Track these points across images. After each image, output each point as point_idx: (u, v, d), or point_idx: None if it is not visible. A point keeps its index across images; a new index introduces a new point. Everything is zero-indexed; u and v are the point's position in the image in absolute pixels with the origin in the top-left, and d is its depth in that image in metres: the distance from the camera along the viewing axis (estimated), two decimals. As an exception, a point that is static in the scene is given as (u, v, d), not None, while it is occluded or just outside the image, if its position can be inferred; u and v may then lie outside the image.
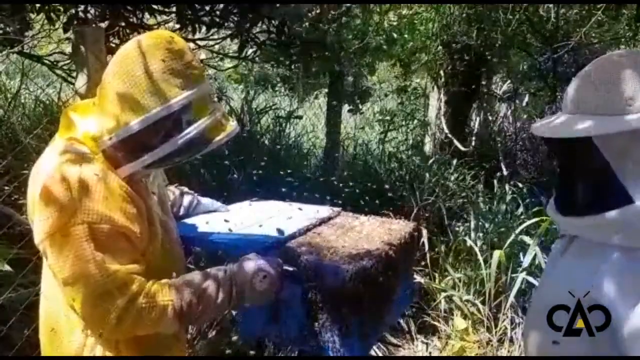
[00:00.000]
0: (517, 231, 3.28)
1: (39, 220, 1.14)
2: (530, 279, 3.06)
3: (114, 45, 2.83)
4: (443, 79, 5.76)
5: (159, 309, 1.16)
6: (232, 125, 1.27)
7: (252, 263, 1.27)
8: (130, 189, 1.22)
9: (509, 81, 7.16)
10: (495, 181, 4.58)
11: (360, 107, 5.79)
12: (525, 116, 7.26)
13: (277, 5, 3.16)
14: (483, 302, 3.18)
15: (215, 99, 1.34)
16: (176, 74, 1.18)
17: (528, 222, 3.33)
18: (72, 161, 1.17)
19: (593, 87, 0.97)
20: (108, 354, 1.24)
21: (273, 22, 3.42)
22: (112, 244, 1.15)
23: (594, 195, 0.99)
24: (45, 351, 1.34)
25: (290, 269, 1.34)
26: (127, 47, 1.22)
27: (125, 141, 1.19)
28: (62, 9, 2.82)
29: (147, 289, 1.17)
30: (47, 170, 1.17)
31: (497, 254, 3.11)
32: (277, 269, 1.30)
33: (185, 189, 1.72)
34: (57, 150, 1.22)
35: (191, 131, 1.19)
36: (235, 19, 3.32)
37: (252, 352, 2.64)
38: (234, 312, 2.62)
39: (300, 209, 1.84)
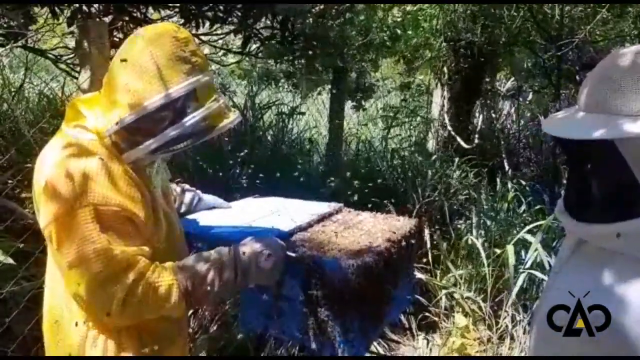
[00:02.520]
0: (523, 231, 3.27)
1: (45, 205, 1.15)
2: (537, 273, 3.05)
3: (117, 40, 2.83)
4: (446, 76, 5.75)
5: (164, 289, 1.17)
6: (235, 114, 1.30)
7: (256, 243, 1.29)
8: (135, 176, 1.23)
9: (512, 78, 7.15)
10: (497, 179, 4.58)
11: (363, 103, 5.78)
12: (528, 114, 7.25)
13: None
14: (484, 300, 3.18)
15: (219, 91, 1.36)
16: (182, 61, 1.20)
17: (535, 224, 3.31)
18: (78, 147, 1.19)
19: (617, 84, 0.87)
20: (110, 345, 1.25)
21: (277, 17, 3.42)
22: (117, 226, 1.16)
23: (611, 202, 0.91)
24: (48, 344, 1.35)
25: (293, 254, 1.36)
26: (133, 36, 1.25)
27: (131, 127, 1.20)
28: (66, 3, 2.82)
29: (152, 270, 1.18)
30: (53, 156, 1.19)
31: (510, 249, 3.08)
32: (281, 250, 1.32)
33: (187, 186, 1.73)
34: (63, 137, 1.24)
35: (196, 115, 1.22)
36: (239, 14, 3.32)
37: (252, 348, 2.65)
38: (234, 309, 2.63)
39: (302, 205, 1.84)
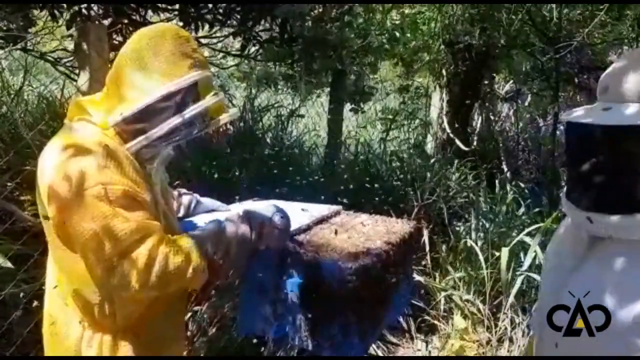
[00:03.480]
0: (522, 233, 3.27)
1: (53, 195, 1.16)
2: (535, 275, 3.05)
3: (116, 43, 2.83)
4: (445, 79, 5.76)
5: (183, 253, 1.19)
6: (234, 109, 1.35)
7: (268, 204, 1.40)
8: (137, 166, 1.25)
9: (511, 81, 7.16)
10: (496, 181, 4.58)
11: (362, 106, 5.77)
12: (527, 116, 7.26)
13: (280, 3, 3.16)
14: (483, 302, 3.18)
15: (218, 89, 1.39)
16: (184, 56, 1.25)
17: (534, 226, 3.31)
18: (83, 136, 1.22)
19: None
20: (105, 345, 1.26)
21: (276, 20, 3.42)
22: (127, 204, 1.17)
23: None
24: (46, 345, 1.35)
25: (291, 246, 1.40)
26: (136, 35, 1.29)
27: (134, 118, 1.23)
28: (65, 5, 2.83)
29: (168, 237, 1.21)
30: (58, 146, 1.21)
31: (505, 252, 3.10)
32: (288, 216, 1.41)
33: (184, 190, 1.73)
34: (66, 132, 1.26)
35: (197, 107, 1.26)
36: (238, 17, 3.32)
37: (251, 349, 2.65)
38: (232, 312, 2.63)
39: (301, 207, 1.85)
